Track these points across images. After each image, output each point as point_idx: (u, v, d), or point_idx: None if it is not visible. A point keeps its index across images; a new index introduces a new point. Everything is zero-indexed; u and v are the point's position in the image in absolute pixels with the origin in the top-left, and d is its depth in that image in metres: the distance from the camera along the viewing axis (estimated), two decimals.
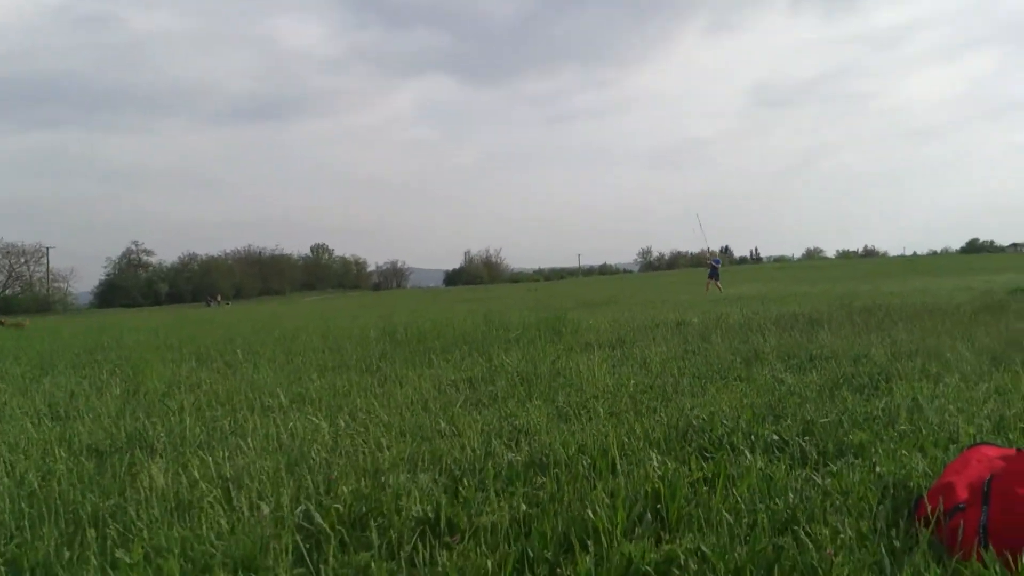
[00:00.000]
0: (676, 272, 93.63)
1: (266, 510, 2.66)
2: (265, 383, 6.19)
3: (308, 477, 3.10)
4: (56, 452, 3.87)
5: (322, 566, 2.29)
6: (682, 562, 2.18)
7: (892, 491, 2.64)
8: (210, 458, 3.52)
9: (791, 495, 2.63)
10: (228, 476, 3.22)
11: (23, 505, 2.93)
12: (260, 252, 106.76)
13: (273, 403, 5.11)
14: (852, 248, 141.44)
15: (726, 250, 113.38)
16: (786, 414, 3.91)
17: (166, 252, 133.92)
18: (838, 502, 2.56)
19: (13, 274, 77.30)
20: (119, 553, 2.40)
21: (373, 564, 2.26)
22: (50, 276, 79.45)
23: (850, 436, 3.37)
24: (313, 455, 3.52)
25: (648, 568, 2.17)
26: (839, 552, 2.17)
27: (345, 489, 2.86)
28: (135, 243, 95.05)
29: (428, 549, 2.35)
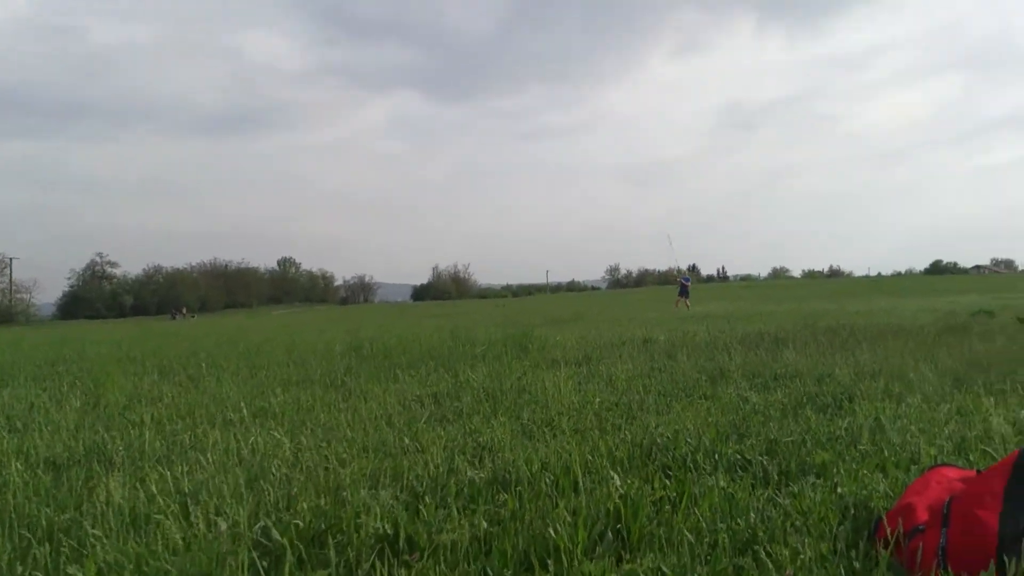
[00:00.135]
0: (644, 289, 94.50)
1: (223, 526, 2.60)
2: (228, 397, 6.09)
3: (268, 492, 3.05)
4: (12, 465, 3.76)
5: None
6: None
7: (853, 512, 2.65)
8: (168, 473, 3.45)
9: (753, 515, 2.63)
10: (186, 491, 3.16)
11: None
12: (226, 265, 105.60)
13: (235, 417, 5.03)
14: (818, 268, 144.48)
15: (693, 268, 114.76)
16: (750, 433, 3.93)
17: (131, 264, 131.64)
18: (799, 522, 2.57)
19: None
20: (72, 569, 2.35)
21: None
22: (12, 287, 77.96)
23: (813, 456, 3.38)
24: (274, 470, 3.46)
25: None
26: (799, 573, 2.17)
27: (305, 505, 2.80)
28: (99, 255, 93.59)
29: (387, 567, 2.31)
